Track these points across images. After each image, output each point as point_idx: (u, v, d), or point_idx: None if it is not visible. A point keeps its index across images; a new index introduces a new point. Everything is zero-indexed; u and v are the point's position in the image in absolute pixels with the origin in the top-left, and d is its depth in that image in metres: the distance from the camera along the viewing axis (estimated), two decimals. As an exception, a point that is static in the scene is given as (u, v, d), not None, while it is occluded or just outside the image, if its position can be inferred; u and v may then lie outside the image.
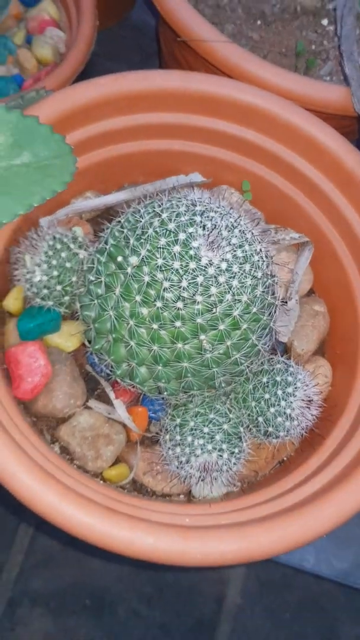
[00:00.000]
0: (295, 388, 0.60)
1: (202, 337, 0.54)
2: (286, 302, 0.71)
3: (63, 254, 0.63)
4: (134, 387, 0.59)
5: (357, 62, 0.74)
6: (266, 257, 0.58)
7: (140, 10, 1.22)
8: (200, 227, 0.54)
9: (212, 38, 0.72)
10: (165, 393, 0.58)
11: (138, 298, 0.54)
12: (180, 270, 0.52)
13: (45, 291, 0.62)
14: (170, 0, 0.76)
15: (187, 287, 0.52)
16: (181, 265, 0.52)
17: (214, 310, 0.53)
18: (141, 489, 0.62)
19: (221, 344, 0.54)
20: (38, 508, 0.49)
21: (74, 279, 0.63)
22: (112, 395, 0.64)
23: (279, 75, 0.72)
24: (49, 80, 0.81)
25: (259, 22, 0.91)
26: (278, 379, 0.61)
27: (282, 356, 0.68)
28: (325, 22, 0.93)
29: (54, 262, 0.62)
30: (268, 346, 0.67)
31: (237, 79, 0.73)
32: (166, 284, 0.52)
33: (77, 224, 0.71)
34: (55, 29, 0.91)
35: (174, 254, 0.53)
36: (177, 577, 0.91)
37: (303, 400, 0.60)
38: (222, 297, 0.53)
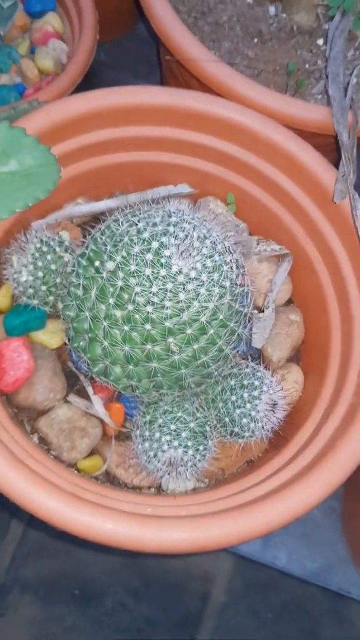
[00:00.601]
0: (261, 392, 0.63)
1: (170, 339, 0.57)
2: (263, 311, 0.75)
3: (49, 257, 0.67)
4: (108, 384, 0.63)
5: (341, 84, 0.77)
6: (237, 267, 0.61)
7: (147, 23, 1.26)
8: (173, 237, 0.58)
9: (202, 57, 0.76)
10: (137, 391, 0.62)
11: (112, 301, 0.57)
12: (151, 277, 0.56)
13: (30, 290, 0.66)
14: (165, 21, 0.79)
15: (157, 292, 0.56)
16: (152, 272, 0.56)
17: (182, 315, 0.57)
18: (114, 480, 0.66)
19: (188, 346, 0.58)
20: (7, 491, 0.53)
21: (58, 280, 0.67)
22: (90, 391, 0.68)
23: (264, 94, 0.76)
24: (49, 90, 0.85)
25: (255, 40, 0.94)
26: (245, 382, 0.64)
27: (256, 362, 0.72)
28: (320, 42, 0.96)
29: (40, 263, 0.66)
30: (240, 351, 0.71)
31: (225, 96, 0.77)
32: (138, 289, 0.56)
33: (66, 228, 0.75)
34: (58, 41, 0.95)
35: (147, 261, 0.56)
36: (164, 572, 0.94)
37: (268, 403, 0.63)
38: (190, 303, 0.57)
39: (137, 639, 0.89)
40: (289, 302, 0.79)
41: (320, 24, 0.97)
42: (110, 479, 0.66)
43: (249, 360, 0.71)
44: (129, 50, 1.25)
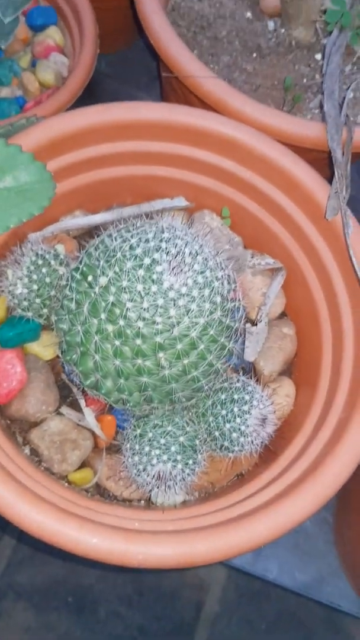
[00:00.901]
0: (251, 406, 0.64)
1: (161, 354, 0.58)
2: (256, 324, 0.76)
3: (44, 270, 0.67)
4: (100, 397, 0.63)
5: (337, 100, 0.78)
6: (228, 283, 0.62)
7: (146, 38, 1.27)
8: (165, 253, 0.58)
9: (199, 74, 0.77)
10: (128, 405, 0.62)
11: (103, 316, 0.58)
12: (143, 292, 0.57)
13: (25, 303, 0.67)
14: (163, 38, 0.80)
15: (148, 308, 0.56)
16: (144, 287, 0.57)
17: (173, 330, 0.57)
18: (104, 493, 0.67)
19: (179, 361, 0.59)
20: (-4, 504, 0.53)
21: (52, 293, 0.67)
22: (82, 403, 0.69)
23: (260, 110, 0.77)
24: (49, 103, 0.86)
25: (254, 55, 0.95)
26: (235, 396, 0.65)
27: (249, 375, 0.72)
28: (318, 56, 0.97)
29: (35, 276, 0.67)
30: (232, 365, 0.72)
31: (222, 112, 0.78)
32: (129, 305, 0.57)
33: (63, 240, 0.76)
34: (59, 55, 0.96)
35: (138, 277, 0.57)
36: (159, 581, 0.94)
37: (258, 418, 0.64)
38: (181, 318, 0.57)
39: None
40: (282, 315, 0.80)
41: (319, 39, 0.98)
42: (100, 492, 0.67)
43: (241, 373, 0.71)
44: (130, 62, 1.26)
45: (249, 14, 0.97)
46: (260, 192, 0.76)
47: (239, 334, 0.64)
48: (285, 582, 0.92)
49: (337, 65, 0.84)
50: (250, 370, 0.74)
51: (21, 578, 0.93)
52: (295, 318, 0.79)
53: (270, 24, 0.97)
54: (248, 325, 0.74)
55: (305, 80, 0.95)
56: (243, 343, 0.74)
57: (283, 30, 0.96)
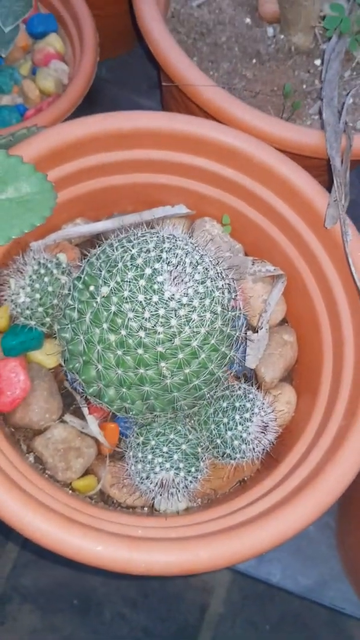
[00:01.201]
0: (253, 414, 0.64)
1: (162, 364, 0.58)
2: (257, 331, 0.76)
3: (46, 279, 0.68)
4: (103, 405, 0.64)
5: (336, 107, 0.78)
6: (229, 292, 0.62)
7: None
8: (166, 263, 0.59)
9: (199, 82, 0.77)
10: (131, 413, 0.63)
11: (105, 325, 0.59)
12: (144, 302, 0.57)
13: (28, 312, 0.68)
14: (163, 46, 0.81)
15: (149, 318, 0.57)
16: (145, 297, 0.57)
17: (174, 340, 0.58)
18: (108, 500, 0.67)
19: (180, 370, 0.59)
20: (1, 514, 0.54)
21: (55, 301, 0.68)
22: (85, 411, 0.69)
23: (259, 118, 0.77)
24: (49, 111, 0.87)
25: (254, 61, 0.96)
26: (237, 404, 0.65)
27: (250, 382, 0.73)
28: (318, 62, 0.97)
29: (37, 285, 0.67)
30: (233, 372, 0.72)
31: (222, 120, 0.78)
32: (131, 314, 0.57)
33: (65, 248, 0.76)
34: (59, 62, 0.97)
35: (140, 287, 0.57)
36: (163, 584, 0.95)
37: (259, 425, 0.64)
38: (182, 328, 0.58)
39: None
40: (283, 322, 0.80)
41: (318, 45, 0.98)
42: (104, 499, 0.67)
43: (242, 380, 0.72)
44: (130, 67, 1.27)
45: (248, 20, 0.98)
46: (260, 200, 0.76)
47: (240, 341, 0.64)
48: (289, 585, 0.92)
49: (336, 72, 0.84)
50: (251, 377, 0.75)
51: (26, 581, 0.93)
52: (296, 325, 0.79)
53: (270, 30, 0.98)
54: (249, 332, 0.74)
55: (304, 86, 0.95)
56: (244, 350, 0.74)
57: (282, 36, 0.97)
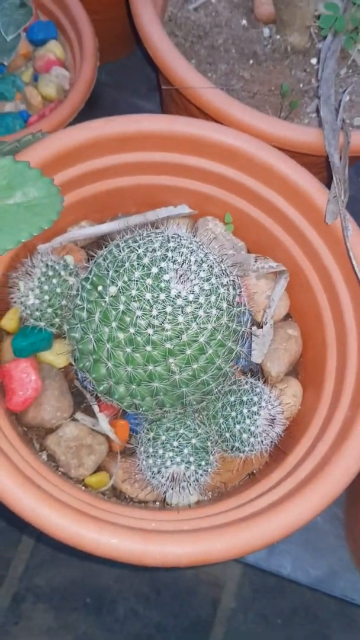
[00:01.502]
0: (260, 407, 0.66)
1: (171, 360, 0.60)
2: (262, 326, 0.77)
3: (54, 280, 0.69)
4: (113, 402, 0.65)
5: (333, 105, 0.80)
6: (234, 288, 0.64)
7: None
8: (172, 261, 0.60)
9: (197, 84, 0.79)
10: (141, 409, 0.64)
11: (114, 324, 0.60)
12: (152, 301, 0.59)
13: (37, 313, 0.69)
14: (162, 50, 0.82)
15: (157, 315, 0.58)
16: (152, 296, 0.59)
17: (182, 336, 0.59)
18: (120, 495, 0.69)
19: (188, 366, 0.61)
20: (17, 510, 0.55)
21: (63, 302, 0.69)
22: (96, 409, 0.71)
23: (258, 118, 0.79)
24: (51, 117, 0.88)
25: (251, 62, 0.97)
26: (244, 398, 0.66)
27: (257, 377, 0.74)
28: (314, 61, 0.99)
29: (46, 287, 0.69)
30: (240, 367, 0.74)
31: (221, 121, 0.80)
32: (139, 313, 0.59)
33: (71, 250, 0.78)
34: (60, 68, 0.98)
35: (147, 285, 0.59)
36: (175, 579, 0.96)
37: (266, 418, 0.66)
38: (189, 325, 0.59)
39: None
40: (287, 317, 0.82)
41: (314, 44, 1.00)
42: (116, 494, 0.69)
43: (249, 375, 0.73)
44: (130, 70, 1.28)
45: (244, 22, 0.99)
46: (261, 198, 0.78)
47: (245, 337, 0.66)
48: (299, 577, 0.94)
49: (332, 70, 0.86)
50: (258, 372, 0.76)
51: (39, 581, 0.94)
52: (299, 319, 0.81)
53: (266, 31, 0.99)
54: (254, 328, 0.76)
55: (302, 85, 0.96)
56: (250, 346, 0.76)
57: (278, 37, 0.98)
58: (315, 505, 0.59)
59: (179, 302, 0.59)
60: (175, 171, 0.80)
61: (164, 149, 0.77)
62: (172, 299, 0.59)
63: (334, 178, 0.71)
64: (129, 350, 0.60)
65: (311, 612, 1.00)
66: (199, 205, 0.82)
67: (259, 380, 0.71)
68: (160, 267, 0.60)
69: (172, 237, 0.64)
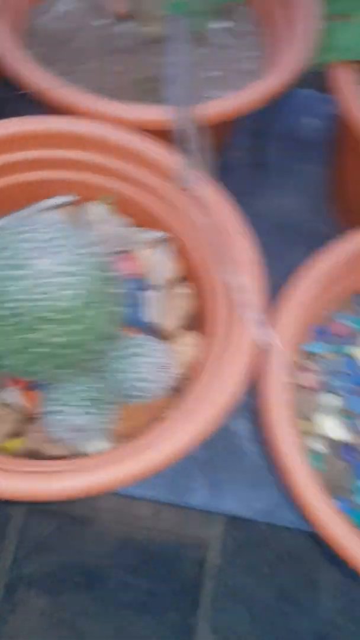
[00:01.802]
0: (143, 357, 0.74)
1: (47, 326, 0.65)
2: (153, 289, 0.86)
3: None
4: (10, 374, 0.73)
5: (184, 84, 0.88)
6: (108, 256, 0.71)
7: None
8: (41, 241, 0.67)
9: (46, 86, 0.87)
10: (38, 376, 0.72)
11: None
12: (16, 277, 0.63)
13: None
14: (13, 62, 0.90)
15: (28, 288, 0.64)
16: (20, 273, 0.65)
17: (57, 303, 0.65)
18: (37, 455, 0.76)
19: (70, 330, 0.68)
20: None
21: None
22: (3, 382, 0.79)
23: (108, 105, 0.86)
24: None
25: (114, 56, 1.05)
26: (130, 351, 0.75)
27: (153, 334, 0.82)
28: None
29: None
30: (138, 328, 0.81)
31: (79, 114, 0.86)
32: (12, 289, 0.65)
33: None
34: None
35: (12, 265, 0.64)
36: (159, 547, 0.98)
37: (152, 366, 0.74)
38: (63, 291, 0.65)
39: (142, 612, 0.94)
40: (179, 278, 0.89)
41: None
42: (34, 455, 0.76)
43: (145, 333, 0.81)
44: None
45: (103, 21, 1.08)
46: (129, 177, 0.86)
47: (136, 299, 0.73)
48: (243, 512, 0.97)
49: (182, 52, 0.94)
50: (154, 329, 0.84)
51: (29, 569, 0.96)
52: (192, 279, 0.88)
53: (125, 26, 1.08)
54: (145, 291, 0.84)
55: (160, 71, 1.04)
56: (142, 307, 0.84)
57: (137, 29, 1.07)
58: (199, 427, 0.68)
59: (49, 273, 0.64)
60: (51, 165, 0.87)
61: (34, 147, 0.85)
62: (40, 271, 0.64)
63: (187, 148, 0.79)
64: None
65: (295, 556, 1.00)
66: (81, 192, 0.90)
67: (156, 336, 0.79)
68: (25, 248, 0.65)
69: (45, 223, 0.70)
